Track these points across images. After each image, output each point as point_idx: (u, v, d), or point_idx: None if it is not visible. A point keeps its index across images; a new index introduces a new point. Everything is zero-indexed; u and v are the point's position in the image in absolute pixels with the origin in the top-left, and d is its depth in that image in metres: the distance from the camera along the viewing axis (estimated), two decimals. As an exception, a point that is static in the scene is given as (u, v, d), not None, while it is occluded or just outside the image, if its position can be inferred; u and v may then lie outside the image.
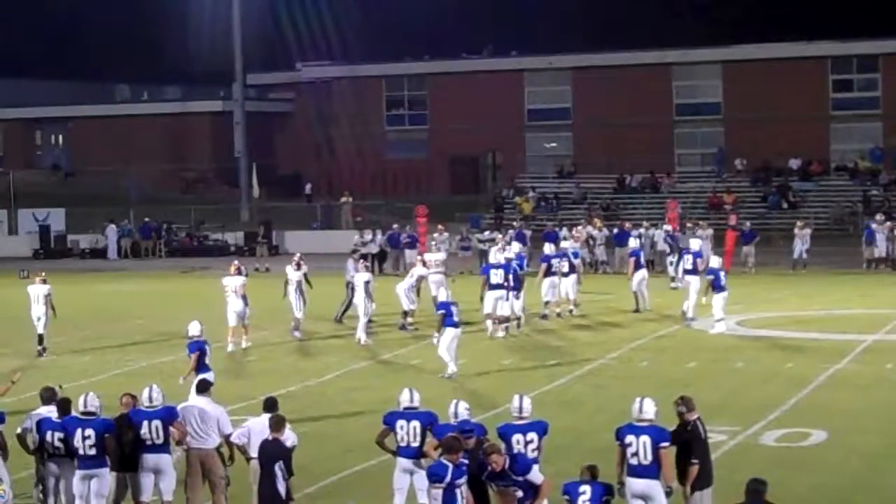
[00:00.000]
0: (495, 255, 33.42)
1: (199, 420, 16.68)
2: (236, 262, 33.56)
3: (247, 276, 32.37)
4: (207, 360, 22.18)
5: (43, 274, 32.77)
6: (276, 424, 15.52)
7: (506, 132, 72.83)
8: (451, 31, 78.85)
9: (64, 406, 16.52)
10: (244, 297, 30.72)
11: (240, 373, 27.68)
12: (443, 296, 27.14)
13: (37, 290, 31.40)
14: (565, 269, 34.85)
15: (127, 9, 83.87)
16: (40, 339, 31.12)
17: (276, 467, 15.11)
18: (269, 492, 15.19)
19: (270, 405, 16.53)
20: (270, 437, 15.41)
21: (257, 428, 16.32)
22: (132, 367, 28.27)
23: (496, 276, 31.31)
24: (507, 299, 31.53)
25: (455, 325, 26.23)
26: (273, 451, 15.25)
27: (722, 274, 32.20)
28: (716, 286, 31.77)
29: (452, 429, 15.10)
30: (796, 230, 48.16)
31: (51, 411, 16.55)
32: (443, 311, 26.42)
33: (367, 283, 31.42)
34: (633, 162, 67.03)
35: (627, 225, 49.29)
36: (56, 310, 31.35)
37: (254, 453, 16.23)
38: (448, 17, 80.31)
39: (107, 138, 78.86)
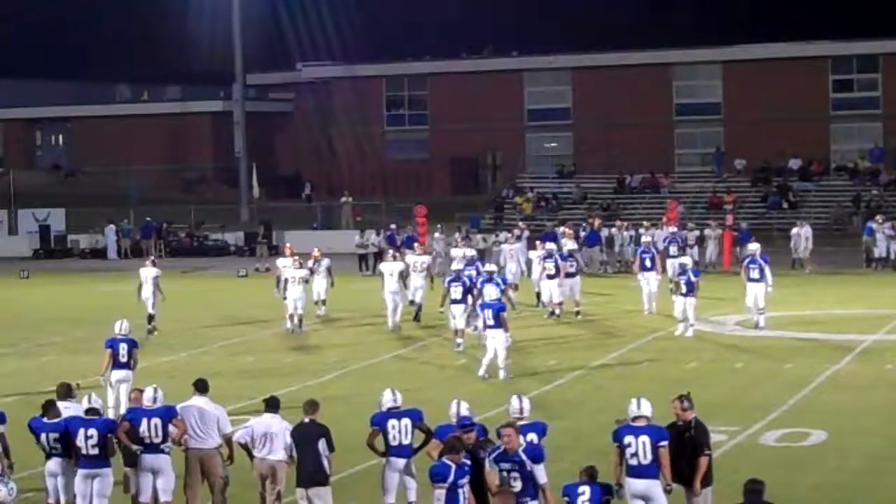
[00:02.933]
0: (457, 265, 31.86)
1: (199, 420, 16.70)
2: (289, 244, 37.33)
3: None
4: (122, 359, 22.74)
5: (152, 257, 36.00)
6: (312, 407, 16.04)
7: (506, 132, 72.84)
8: (451, 31, 78.89)
9: (50, 407, 16.56)
10: (285, 281, 33.32)
11: (240, 373, 27.67)
12: (494, 294, 27.12)
13: (147, 273, 33.54)
14: (551, 270, 34.18)
15: (127, 9, 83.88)
16: (149, 318, 33.14)
17: (320, 445, 15.72)
18: (311, 469, 15.70)
19: (273, 404, 16.66)
20: (306, 420, 15.91)
21: (260, 427, 16.44)
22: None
23: (455, 292, 29.33)
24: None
25: (494, 328, 26.05)
26: (312, 431, 15.79)
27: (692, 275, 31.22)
28: (688, 288, 30.79)
29: (453, 428, 15.10)
30: (796, 230, 48.22)
31: (67, 407, 16.73)
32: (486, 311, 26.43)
33: (401, 271, 33.10)
34: (633, 162, 67.05)
35: (597, 224, 49.51)
36: (164, 292, 33.57)
37: (257, 452, 16.38)
38: (448, 16, 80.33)
39: (107, 138, 78.88)
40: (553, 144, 75.35)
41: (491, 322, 26.08)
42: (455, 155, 73.66)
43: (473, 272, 30.40)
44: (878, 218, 49.10)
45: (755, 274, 31.84)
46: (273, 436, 16.35)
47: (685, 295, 30.81)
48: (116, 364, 22.75)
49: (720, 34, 72.88)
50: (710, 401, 22.24)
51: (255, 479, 16.56)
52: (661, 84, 72.06)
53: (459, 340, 29.30)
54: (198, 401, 16.99)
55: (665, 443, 14.75)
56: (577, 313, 34.52)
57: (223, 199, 70.38)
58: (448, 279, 30.00)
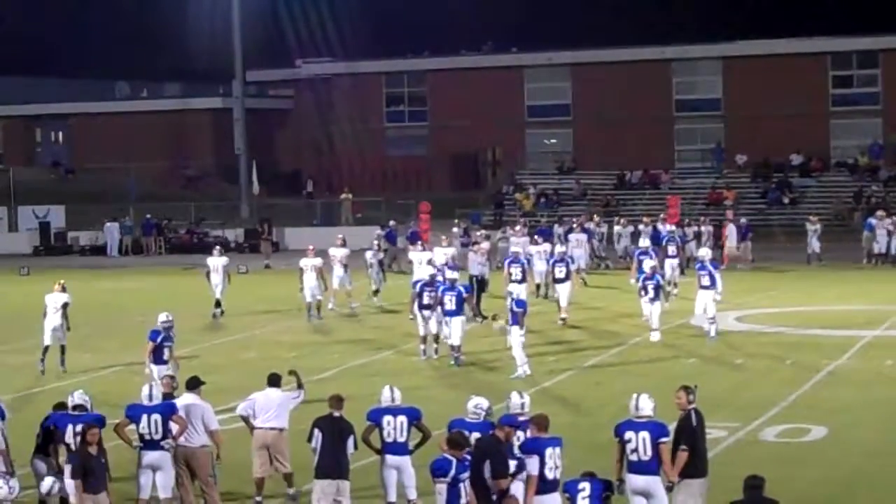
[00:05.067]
0: (422, 270, 30.46)
1: (186, 417, 16.69)
2: (340, 235, 39.19)
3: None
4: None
5: (219, 247, 38.63)
6: (340, 402, 16.28)
7: (506, 129, 72.78)
8: (450, 28, 78.82)
9: (59, 404, 16.63)
10: (346, 266, 36.19)
11: (241, 369, 27.66)
12: (520, 291, 27.05)
13: (215, 262, 36.18)
14: (517, 276, 32.28)
15: (126, 6, 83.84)
16: (217, 303, 35.70)
17: (350, 441, 15.94)
18: (340, 464, 15.85)
19: (274, 381, 17.73)
20: (336, 414, 16.10)
21: (261, 401, 17.43)
22: (132, 364, 28.21)
23: (429, 298, 28.09)
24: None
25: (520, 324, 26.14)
26: (344, 428, 15.99)
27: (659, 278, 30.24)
28: (656, 294, 29.76)
29: (464, 424, 15.09)
30: (808, 225, 48.10)
31: None
32: (521, 310, 26.22)
33: (430, 260, 34.13)
34: (632, 158, 67.04)
35: (596, 220, 49.38)
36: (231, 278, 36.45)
37: (260, 423, 17.32)
38: (448, 13, 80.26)
39: (107, 135, 78.79)
40: (553, 141, 75.30)
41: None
42: (455, 151, 73.64)
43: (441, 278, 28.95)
44: (879, 213, 49.13)
45: (706, 281, 30.08)
46: (276, 406, 17.40)
47: (652, 300, 29.75)
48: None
49: (720, 30, 72.85)
50: (711, 397, 22.22)
51: (253, 452, 17.16)
52: (661, 80, 71.99)
53: (433, 346, 28.23)
54: (187, 398, 17.03)
55: (666, 439, 14.79)
56: (563, 320, 32.79)
57: (223, 196, 70.37)
58: (421, 283, 28.75)
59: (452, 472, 14.07)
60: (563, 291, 33.15)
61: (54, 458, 16.45)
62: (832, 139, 69.83)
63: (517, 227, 45.00)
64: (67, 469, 15.92)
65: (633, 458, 14.74)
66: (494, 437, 14.69)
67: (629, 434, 14.77)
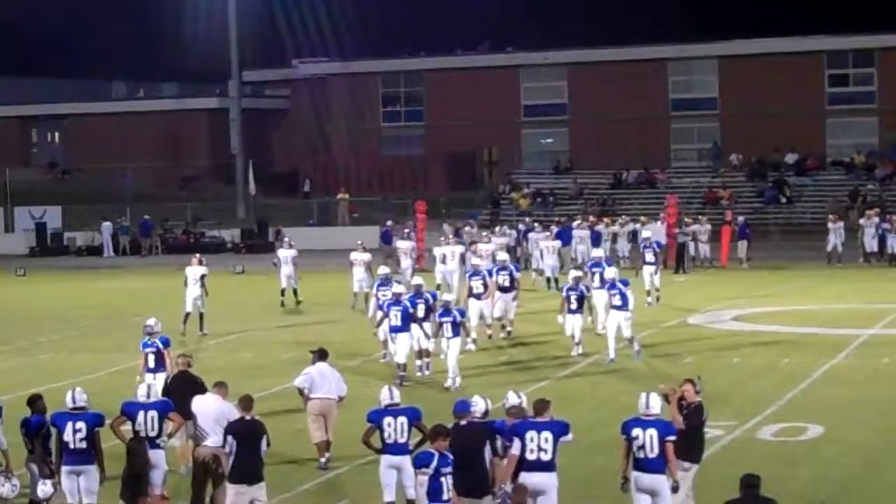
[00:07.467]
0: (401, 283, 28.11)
1: (206, 416, 16.67)
2: (407, 229, 41.75)
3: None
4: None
5: (287, 239, 40.36)
6: (250, 403, 16.18)
7: (502, 128, 72.80)
8: (446, 27, 78.84)
9: (35, 400, 16.60)
10: (414, 259, 38.80)
11: (238, 369, 27.64)
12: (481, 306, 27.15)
13: (285, 253, 37.75)
14: (479, 289, 29.74)
15: (123, 6, 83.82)
16: (294, 292, 37.31)
17: (263, 443, 15.77)
18: (255, 466, 15.74)
19: (323, 354, 19.44)
20: (248, 417, 16.01)
21: (317, 373, 19.06)
22: (128, 365, 28.21)
23: (395, 317, 25.52)
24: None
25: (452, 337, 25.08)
26: (258, 429, 15.88)
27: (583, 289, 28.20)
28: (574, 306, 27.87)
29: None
30: (830, 224, 48.00)
31: None
32: (463, 320, 25.72)
33: (462, 254, 36.34)
34: (629, 157, 67.04)
35: (591, 220, 49.29)
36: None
37: (316, 394, 18.93)
38: (444, 12, 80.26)
39: (103, 136, 78.78)
40: (549, 140, 75.33)
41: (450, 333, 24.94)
42: (451, 151, 73.64)
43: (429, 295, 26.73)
44: (868, 213, 49.16)
45: (617, 301, 27.40)
46: (329, 378, 19.05)
47: (574, 312, 27.81)
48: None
49: (716, 29, 72.86)
50: (708, 396, 22.09)
51: (310, 420, 18.97)
52: (657, 79, 72.03)
53: (426, 361, 26.17)
54: (209, 398, 16.99)
55: (673, 437, 14.80)
56: (508, 333, 30.77)
57: (220, 196, 70.37)
58: (389, 302, 25.85)
59: (434, 463, 14.13)
60: (508, 303, 30.74)
61: (42, 461, 16.38)
62: (828, 138, 69.87)
63: (536, 226, 45.78)
64: (65, 469, 15.94)
65: (640, 455, 14.73)
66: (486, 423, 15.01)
67: (636, 431, 14.76)
